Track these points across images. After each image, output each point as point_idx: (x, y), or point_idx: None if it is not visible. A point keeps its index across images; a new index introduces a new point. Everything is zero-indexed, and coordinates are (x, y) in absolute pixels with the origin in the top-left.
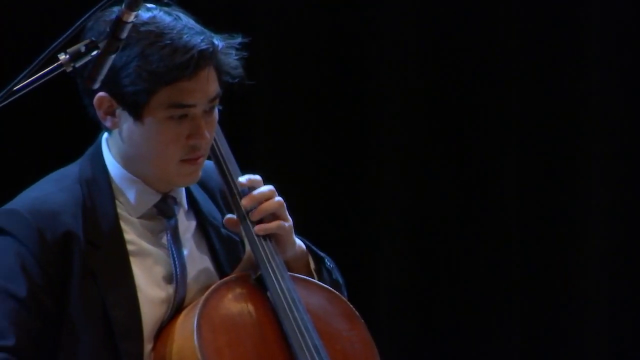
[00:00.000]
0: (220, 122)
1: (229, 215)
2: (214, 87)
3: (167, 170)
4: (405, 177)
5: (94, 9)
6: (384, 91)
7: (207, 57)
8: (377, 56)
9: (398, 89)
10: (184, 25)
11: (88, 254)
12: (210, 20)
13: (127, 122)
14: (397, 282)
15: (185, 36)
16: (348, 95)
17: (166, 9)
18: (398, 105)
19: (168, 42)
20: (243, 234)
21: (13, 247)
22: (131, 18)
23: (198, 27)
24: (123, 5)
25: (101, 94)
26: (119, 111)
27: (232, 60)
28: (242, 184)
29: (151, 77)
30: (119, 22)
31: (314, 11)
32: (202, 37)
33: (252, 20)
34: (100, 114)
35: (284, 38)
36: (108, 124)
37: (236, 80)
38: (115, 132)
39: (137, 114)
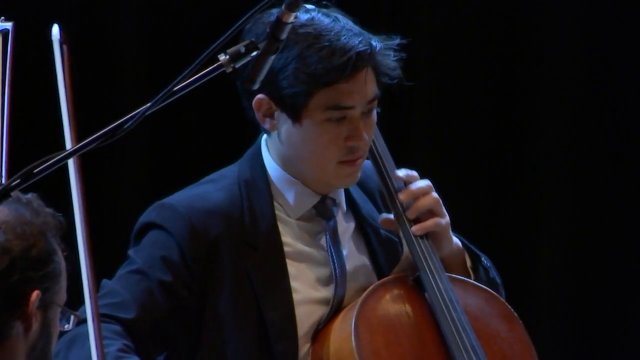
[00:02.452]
0: (378, 122)
1: (385, 215)
2: (371, 89)
3: (325, 171)
4: (565, 178)
5: (254, 9)
6: (545, 91)
7: (364, 58)
8: (538, 57)
9: (560, 89)
10: (342, 26)
11: (244, 255)
12: (368, 20)
13: (285, 124)
14: (556, 283)
15: (343, 38)
16: (507, 96)
17: (325, 10)
18: (559, 108)
19: (326, 43)
20: (400, 233)
21: (162, 238)
22: (291, 19)
23: (356, 28)
24: (283, 6)
25: (260, 96)
26: (277, 113)
27: (390, 61)
28: (398, 177)
29: (309, 79)
30: (278, 23)
31: (472, 12)
32: (360, 39)
33: (411, 21)
34: (259, 115)
35: (442, 39)
36: (267, 125)
37: (394, 82)
38: (274, 133)
39: (295, 116)
